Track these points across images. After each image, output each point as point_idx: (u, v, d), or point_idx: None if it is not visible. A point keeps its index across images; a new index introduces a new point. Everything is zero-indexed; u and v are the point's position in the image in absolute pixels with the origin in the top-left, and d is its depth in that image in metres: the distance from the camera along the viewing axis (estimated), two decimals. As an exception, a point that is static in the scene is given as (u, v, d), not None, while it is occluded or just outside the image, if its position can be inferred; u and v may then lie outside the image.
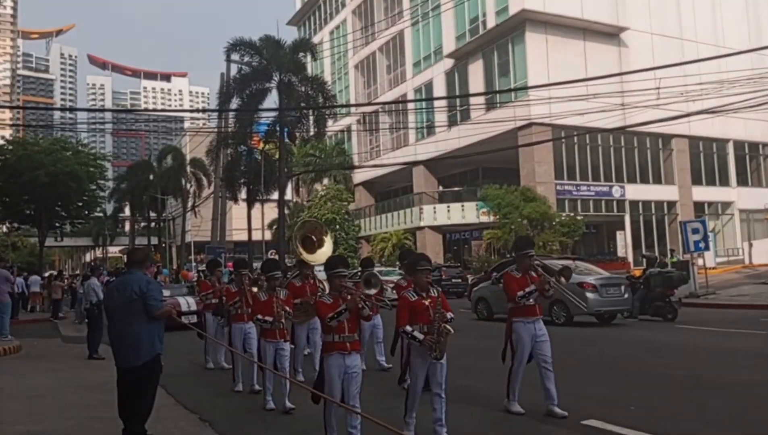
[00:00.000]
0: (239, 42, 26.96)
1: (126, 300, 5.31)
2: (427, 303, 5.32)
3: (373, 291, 5.36)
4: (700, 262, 22.48)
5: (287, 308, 6.95)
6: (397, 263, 21.84)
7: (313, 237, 8.34)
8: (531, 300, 6.25)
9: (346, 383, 5.08)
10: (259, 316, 6.83)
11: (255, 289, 7.48)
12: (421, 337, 5.20)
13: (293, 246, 8.02)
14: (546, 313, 13.23)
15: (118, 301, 5.37)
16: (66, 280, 25.79)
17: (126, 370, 5.38)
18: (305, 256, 8.26)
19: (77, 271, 70.31)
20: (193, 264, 44.23)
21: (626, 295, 14.54)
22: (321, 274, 8.84)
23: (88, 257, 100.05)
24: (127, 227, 73.98)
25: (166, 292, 16.63)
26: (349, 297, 5.04)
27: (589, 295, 13.66)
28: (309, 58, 29.60)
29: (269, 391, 7.00)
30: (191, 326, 9.02)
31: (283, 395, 6.80)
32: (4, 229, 38.47)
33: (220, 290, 9.70)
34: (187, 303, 16.44)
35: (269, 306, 6.83)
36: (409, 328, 5.25)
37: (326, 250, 8.37)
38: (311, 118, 29.62)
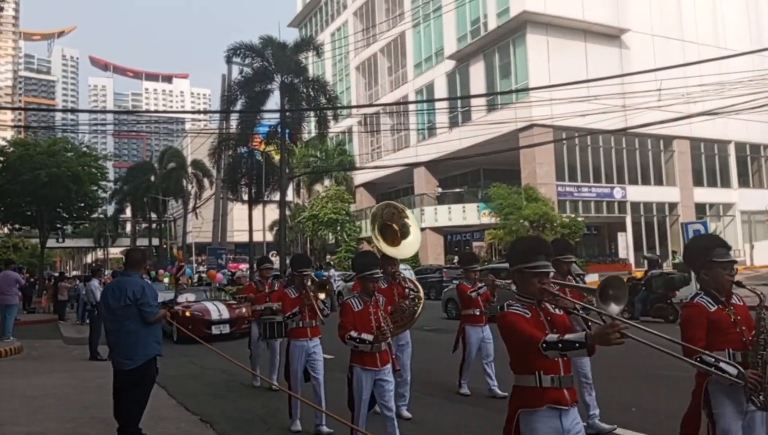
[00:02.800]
0: (240, 46, 27.01)
1: (121, 304, 5.36)
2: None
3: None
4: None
5: (389, 321, 5.08)
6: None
7: (394, 225, 6.67)
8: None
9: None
10: (353, 334, 4.75)
11: (322, 296, 6.24)
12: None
13: (372, 237, 6.53)
14: None
15: (113, 305, 5.41)
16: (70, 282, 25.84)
17: (120, 371, 5.44)
18: (388, 249, 6.55)
19: (75, 273, 70.36)
20: (194, 265, 44.19)
21: None
22: (406, 272, 8.33)
23: (89, 258, 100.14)
24: (128, 228, 74.04)
25: (191, 297, 15.91)
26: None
27: None
28: (311, 59, 29.60)
29: None
30: (209, 342, 8.80)
31: None
32: (6, 230, 38.45)
33: (276, 295, 8.15)
34: (218, 310, 14.30)
35: (365, 318, 4.86)
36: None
37: (413, 241, 6.75)
38: (313, 119, 29.64)
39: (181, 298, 15.80)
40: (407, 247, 6.74)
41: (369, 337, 4.68)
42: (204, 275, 37.50)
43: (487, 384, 7.41)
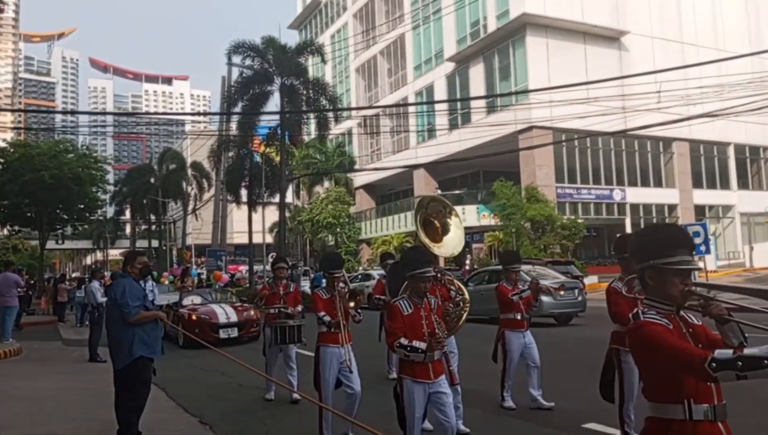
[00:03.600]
0: (241, 44, 26.99)
1: (110, 305, 5.61)
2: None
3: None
4: (700, 265, 22.48)
5: (443, 327, 4.45)
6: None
7: (436, 221, 6.08)
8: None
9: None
10: (403, 341, 4.14)
11: (352, 305, 5.70)
12: None
13: (416, 232, 5.97)
14: None
15: (108, 306, 5.59)
16: (71, 283, 25.83)
17: (115, 371, 5.58)
18: (432, 246, 5.90)
19: (76, 274, 70.34)
20: (194, 267, 44.14)
21: (579, 298, 15.45)
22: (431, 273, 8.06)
23: (88, 260, 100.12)
24: (128, 230, 74.05)
25: (196, 300, 15.15)
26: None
27: (544, 298, 14.13)
28: (311, 61, 29.62)
29: None
30: (215, 345, 8.45)
31: None
32: (5, 231, 38.45)
33: (292, 297, 8.03)
34: (225, 313, 13.73)
35: (416, 323, 4.23)
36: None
37: (454, 237, 6.14)
38: (313, 121, 29.66)
39: (186, 301, 15.10)
40: (448, 246, 6.13)
41: (422, 344, 4.07)
42: (204, 277, 37.48)
43: (529, 395, 6.76)
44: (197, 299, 15.28)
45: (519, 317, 6.85)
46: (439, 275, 5.64)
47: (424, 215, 6.05)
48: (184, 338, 12.87)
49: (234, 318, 13.61)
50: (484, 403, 6.97)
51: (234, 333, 13.38)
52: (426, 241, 5.82)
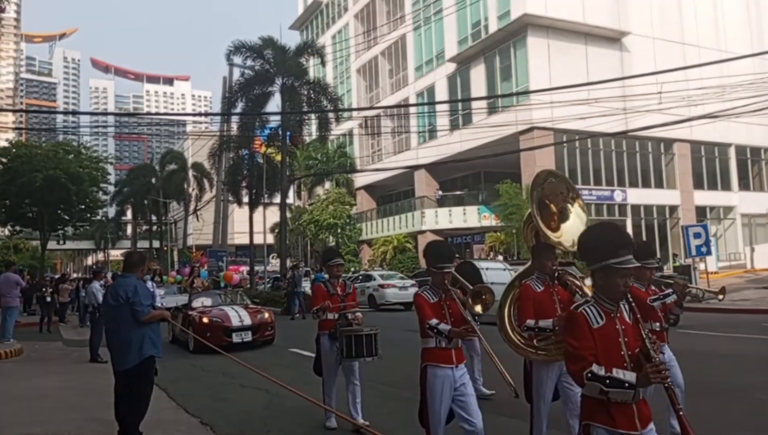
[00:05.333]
0: (241, 45, 27.02)
1: (117, 304, 5.46)
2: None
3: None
4: (701, 266, 22.47)
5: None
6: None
7: (552, 206, 4.96)
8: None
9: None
10: (433, 321, 4.11)
11: (478, 310, 4.52)
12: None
13: (532, 217, 4.86)
14: None
15: (112, 305, 5.52)
16: (72, 284, 25.85)
17: (118, 372, 5.52)
18: (549, 235, 4.78)
19: (75, 275, 70.37)
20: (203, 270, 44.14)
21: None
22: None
23: (89, 260, 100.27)
24: (129, 231, 74.14)
25: (206, 301, 14.49)
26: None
27: None
28: (311, 61, 29.64)
29: None
30: (228, 351, 8.09)
31: None
32: (6, 231, 38.52)
33: (352, 298, 6.63)
34: (239, 316, 13.01)
35: (439, 312, 4.26)
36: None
37: (573, 226, 4.89)
38: (314, 121, 29.69)
39: (196, 303, 14.38)
40: (566, 236, 4.83)
41: (447, 327, 4.12)
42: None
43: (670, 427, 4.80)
44: (207, 301, 14.56)
45: (657, 327, 5.07)
46: (558, 274, 4.60)
47: (540, 194, 4.92)
48: (195, 343, 12.27)
49: (247, 321, 12.88)
50: (486, 403, 6.96)
51: (248, 337, 12.69)
52: (542, 227, 4.74)
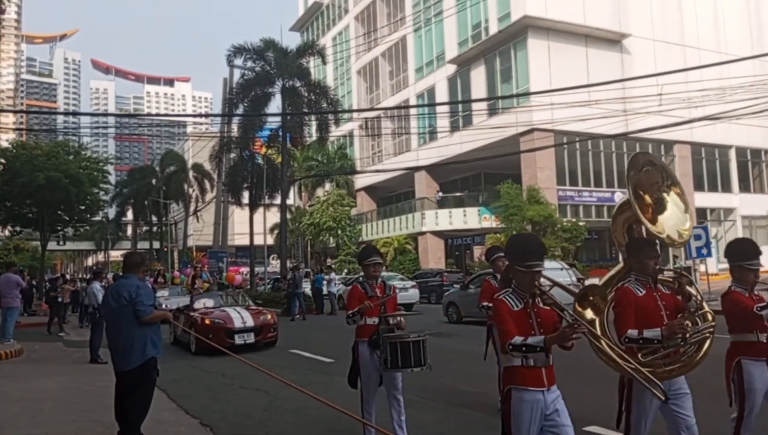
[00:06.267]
0: (242, 47, 27.04)
1: (118, 305, 5.44)
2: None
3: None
4: (702, 268, 22.44)
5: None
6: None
7: (647, 195, 4.30)
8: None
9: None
10: (517, 340, 3.25)
11: (590, 316, 3.60)
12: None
13: (630, 205, 4.13)
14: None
15: (113, 306, 5.50)
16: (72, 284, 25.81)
17: (119, 373, 5.50)
18: (650, 226, 4.13)
19: (74, 276, 70.36)
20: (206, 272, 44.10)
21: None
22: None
23: (90, 261, 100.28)
24: (130, 231, 74.16)
25: (208, 303, 14.33)
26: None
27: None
28: (312, 63, 29.65)
29: None
30: (238, 352, 8.05)
31: None
32: (7, 232, 38.53)
33: (392, 302, 5.72)
34: (241, 317, 12.87)
35: (524, 322, 3.38)
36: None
37: (672, 218, 4.30)
38: (314, 123, 29.69)
39: (198, 304, 14.22)
40: (662, 228, 4.17)
41: (538, 340, 3.23)
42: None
43: None
44: (209, 302, 14.39)
45: (765, 340, 4.19)
46: (673, 278, 3.99)
47: (635, 181, 4.22)
48: (197, 345, 12.09)
49: (250, 322, 12.72)
50: (485, 406, 6.97)
51: (250, 338, 12.55)
52: (642, 217, 4.07)
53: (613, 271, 4.35)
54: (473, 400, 7.45)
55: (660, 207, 4.33)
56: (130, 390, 5.44)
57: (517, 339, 3.24)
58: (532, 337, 3.26)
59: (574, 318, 3.30)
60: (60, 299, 18.55)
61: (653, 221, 4.20)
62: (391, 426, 5.38)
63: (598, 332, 3.76)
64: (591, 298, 3.57)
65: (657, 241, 4.10)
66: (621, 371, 3.80)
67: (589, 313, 3.59)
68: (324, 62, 30.78)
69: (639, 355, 3.72)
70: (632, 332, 3.64)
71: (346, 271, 37.10)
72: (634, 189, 4.16)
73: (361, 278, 6.03)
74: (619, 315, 3.81)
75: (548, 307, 3.40)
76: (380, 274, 5.78)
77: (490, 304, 5.46)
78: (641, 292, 3.82)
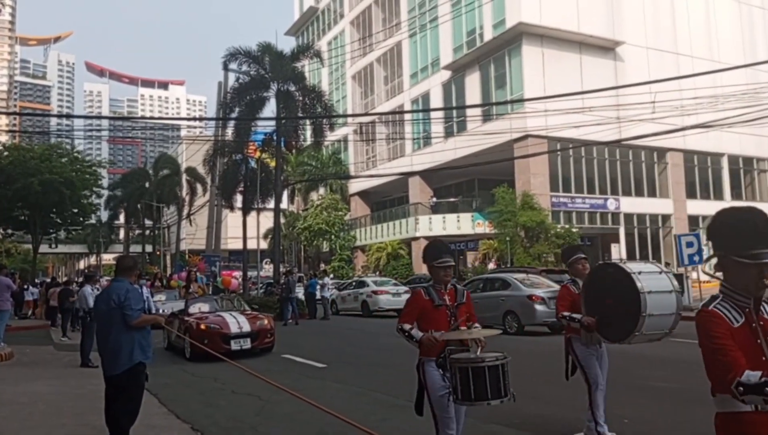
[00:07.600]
0: (237, 51, 27.02)
1: (108, 308, 5.43)
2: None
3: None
4: (694, 275, 22.53)
5: None
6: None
7: None
8: None
9: None
10: None
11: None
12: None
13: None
14: (500, 322, 14.07)
15: (103, 309, 5.50)
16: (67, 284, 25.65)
17: (108, 377, 5.49)
18: None
19: (66, 279, 69.94)
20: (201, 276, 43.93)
21: None
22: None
23: (82, 264, 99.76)
24: (122, 235, 73.86)
25: (203, 307, 14.04)
26: None
27: (538, 307, 14.31)
28: (307, 67, 29.65)
29: None
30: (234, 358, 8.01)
31: None
32: (-1, 235, 38.38)
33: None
34: (238, 323, 12.50)
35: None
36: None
37: None
38: (309, 127, 29.70)
39: (193, 309, 13.88)
40: None
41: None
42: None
43: None
44: (204, 307, 14.06)
45: None
46: None
47: None
48: (193, 351, 11.88)
49: (247, 328, 12.37)
50: (476, 411, 6.95)
51: (247, 344, 12.22)
52: None
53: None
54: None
55: None
56: (119, 394, 5.42)
57: (754, 376, 2.10)
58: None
59: None
60: (55, 304, 18.43)
61: None
62: None
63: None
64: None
65: None
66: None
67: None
68: (321, 62, 30.75)
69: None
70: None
71: (332, 275, 37.02)
72: None
73: (425, 283, 4.99)
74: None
75: None
76: (451, 279, 4.39)
77: (573, 315, 5.16)
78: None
